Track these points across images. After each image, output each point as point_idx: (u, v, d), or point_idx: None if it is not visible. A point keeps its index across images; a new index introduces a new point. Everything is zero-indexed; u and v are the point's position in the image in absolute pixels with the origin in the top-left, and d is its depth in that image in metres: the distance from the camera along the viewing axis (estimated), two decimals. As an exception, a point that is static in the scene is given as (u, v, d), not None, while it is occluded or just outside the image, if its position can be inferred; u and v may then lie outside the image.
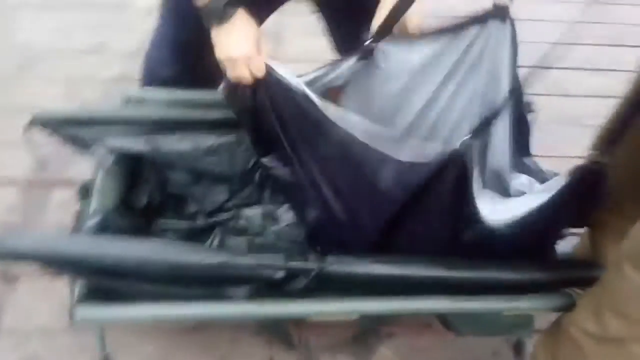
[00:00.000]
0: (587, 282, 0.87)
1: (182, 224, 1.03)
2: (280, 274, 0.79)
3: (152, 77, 1.17)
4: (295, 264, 0.80)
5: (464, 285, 0.85)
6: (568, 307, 0.87)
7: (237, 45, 0.86)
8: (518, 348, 1.12)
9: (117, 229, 0.90)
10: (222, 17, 0.84)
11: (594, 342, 0.84)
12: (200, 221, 1.04)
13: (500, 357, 1.15)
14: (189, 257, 0.77)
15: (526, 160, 1.02)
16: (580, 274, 0.91)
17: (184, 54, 1.09)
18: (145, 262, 0.76)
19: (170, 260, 0.77)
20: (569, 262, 0.98)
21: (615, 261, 0.81)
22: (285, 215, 1.05)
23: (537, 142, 1.05)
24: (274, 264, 0.79)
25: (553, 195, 0.79)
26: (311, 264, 0.80)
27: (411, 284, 0.84)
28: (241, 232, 1.04)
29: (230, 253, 0.80)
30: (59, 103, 1.56)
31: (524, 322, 0.95)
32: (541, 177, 0.98)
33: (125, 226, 0.92)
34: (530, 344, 1.02)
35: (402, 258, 0.85)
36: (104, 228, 0.88)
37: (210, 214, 1.04)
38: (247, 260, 0.79)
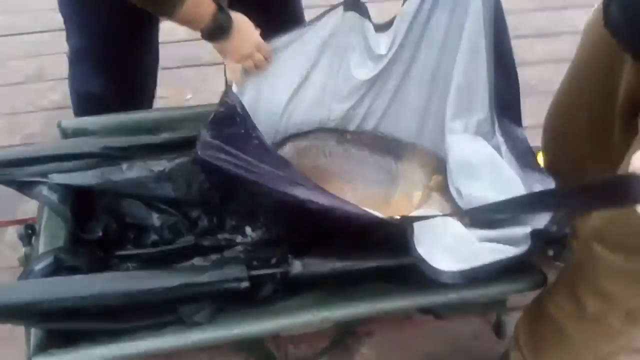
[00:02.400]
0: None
1: (142, 254, 0.99)
2: (245, 284, 0.77)
3: (78, 96, 1.14)
4: (260, 271, 0.78)
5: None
6: (541, 285, 0.87)
7: (247, 42, 0.91)
8: (498, 329, 1.12)
9: (70, 269, 0.86)
10: (226, 30, 0.87)
11: (573, 321, 0.84)
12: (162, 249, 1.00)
13: (481, 339, 1.15)
14: (145, 284, 0.74)
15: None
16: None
17: (103, 65, 1.07)
18: (99, 297, 0.73)
19: (125, 290, 0.74)
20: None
21: (584, 240, 0.81)
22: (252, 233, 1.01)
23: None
24: (238, 276, 0.77)
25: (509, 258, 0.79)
26: (276, 269, 0.79)
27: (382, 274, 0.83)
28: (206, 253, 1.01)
29: (191, 272, 0.77)
30: (2, 139, 1.50)
31: (499, 299, 0.96)
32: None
33: (79, 264, 0.88)
34: (511, 325, 1.03)
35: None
36: (55, 270, 0.84)
37: (171, 242, 1.00)
38: (209, 277, 0.76)
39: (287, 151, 1.06)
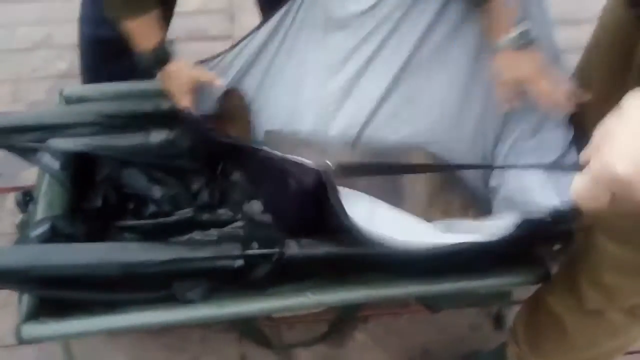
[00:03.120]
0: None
1: (142, 224, 0.98)
2: (239, 263, 0.75)
3: (89, 41, 1.13)
4: (255, 251, 0.76)
5: (436, 264, 0.82)
6: (543, 279, 0.85)
7: (181, 85, 0.91)
8: (498, 321, 1.11)
9: (67, 236, 0.85)
10: (158, 66, 0.89)
11: (573, 315, 0.82)
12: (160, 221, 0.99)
13: (479, 331, 1.14)
14: (140, 256, 0.73)
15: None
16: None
17: None
18: (93, 266, 0.71)
19: (120, 261, 0.72)
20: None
21: (588, 230, 0.79)
22: (253, 208, 1.00)
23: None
24: (233, 254, 0.75)
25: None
26: (272, 249, 0.77)
27: (379, 262, 0.80)
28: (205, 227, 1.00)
29: (186, 246, 0.76)
30: (5, 106, 1.48)
31: (502, 292, 0.94)
32: None
33: (77, 233, 0.87)
34: (511, 316, 1.01)
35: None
36: (51, 237, 0.83)
37: (170, 214, 0.99)
38: (204, 252, 0.74)
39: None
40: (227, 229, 0.99)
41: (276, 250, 0.77)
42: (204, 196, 1.02)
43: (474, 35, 0.91)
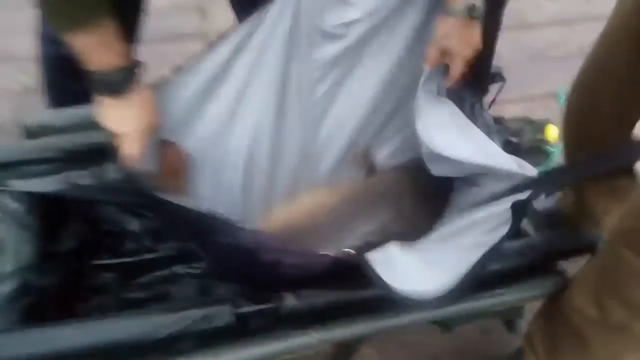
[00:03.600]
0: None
1: (120, 263, 0.91)
2: (231, 323, 0.69)
3: (50, 58, 1.01)
4: (248, 309, 0.70)
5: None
6: (561, 289, 0.79)
7: (132, 120, 0.72)
8: (510, 324, 1.06)
9: (39, 290, 0.78)
10: (123, 87, 0.70)
11: (594, 328, 0.78)
12: (141, 257, 0.91)
13: (491, 335, 1.08)
14: (116, 332, 0.66)
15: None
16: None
17: None
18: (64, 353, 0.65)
19: (94, 342, 0.66)
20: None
21: (611, 243, 0.74)
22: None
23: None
24: (224, 320, 0.68)
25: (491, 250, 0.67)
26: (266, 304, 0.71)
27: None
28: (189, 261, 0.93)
29: (169, 315, 0.68)
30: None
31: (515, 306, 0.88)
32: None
33: (50, 283, 0.80)
34: (523, 320, 0.96)
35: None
36: (22, 294, 0.76)
37: (152, 248, 0.92)
38: (190, 322, 0.68)
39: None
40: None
41: (271, 305, 0.70)
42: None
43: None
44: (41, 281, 0.79)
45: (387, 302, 0.72)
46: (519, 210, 0.65)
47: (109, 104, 0.71)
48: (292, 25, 0.80)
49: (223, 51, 0.80)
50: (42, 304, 0.77)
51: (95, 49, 0.67)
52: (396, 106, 0.93)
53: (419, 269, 0.69)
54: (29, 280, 0.77)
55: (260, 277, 0.75)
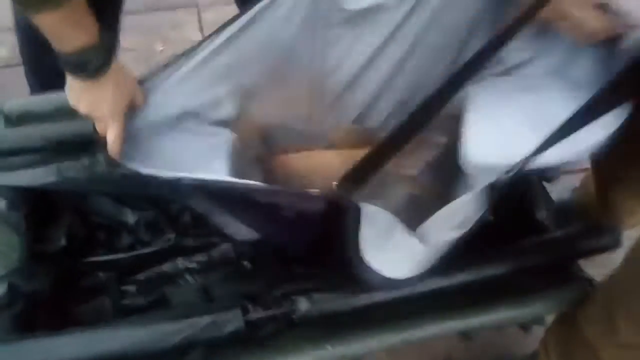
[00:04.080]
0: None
1: (116, 259, 0.84)
2: (241, 330, 0.65)
3: (25, 29, 0.93)
4: (259, 314, 0.66)
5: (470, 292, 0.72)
6: (584, 300, 0.75)
7: (107, 102, 0.64)
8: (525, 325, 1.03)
9: (29, 295, 0.72)
10: (93, 71, 0.62)
11: (608, 346, 0.73)
12: (136, 252, 0.85)
13: (504, 333, 1.04)
14: (120, 342, 0.61)
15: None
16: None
17: None
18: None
19: (107, 352, 0.61)
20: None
21: (632, 257, 0.69)
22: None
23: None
24: (233, 325, 0.64)
25: None
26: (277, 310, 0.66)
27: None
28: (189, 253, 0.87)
29: (175, 322, 0.63)
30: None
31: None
32: None
33: (41, 287, 0.74)
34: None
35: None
36: (12, 300, 0.70)
37: (149, 242, 0.86)
38: (198, 329, 0.63)
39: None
40: (214, 252, 0.87)
41: (283, 310, 0.66)
42: (186, 218, 0.88)
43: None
44: (31, 285, 0.73)
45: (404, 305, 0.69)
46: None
47: (80, 86, 0.64)
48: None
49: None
50: (33, 309, 0.72)
51: (64, 27, 0.59)
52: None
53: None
54: (18, 284, 0.71)
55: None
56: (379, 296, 0.67)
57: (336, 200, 0.57)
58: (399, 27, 0.77)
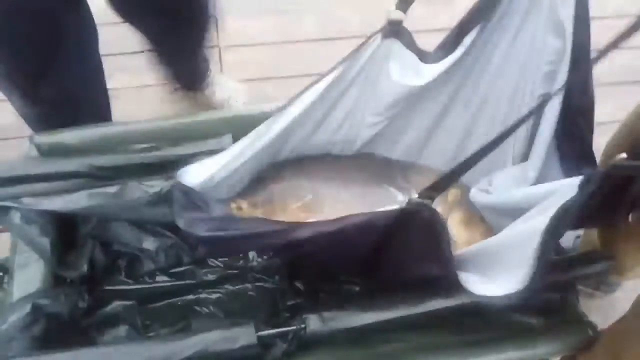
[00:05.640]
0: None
1: (136, 290, 0.86)
2: (254, 351, 0.65)
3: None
4: (270, 331, 0.66)
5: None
6: (587, 345, 0.73)
7: None
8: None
9: (51, 317, 0.73)
10: None
11: None
12: (157, 281, 0.87)
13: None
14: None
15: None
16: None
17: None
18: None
19: None
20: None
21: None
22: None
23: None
24: (246, 343, 0.64)
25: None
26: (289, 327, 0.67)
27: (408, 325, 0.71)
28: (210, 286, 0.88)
29: (187, 340, 0.64)
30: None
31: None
32: None
33: (63, 310, 0.76)
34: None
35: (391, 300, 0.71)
36: (33, 320, 0.72)
37: (169, 271, 0.88)
38: (211, 346, 0.64)
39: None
40: (233, 283, 0.89)
41: (294, 328, 0.67)
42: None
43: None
44: (53, 308, 0.74)
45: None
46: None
47: None
48: None
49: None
50: (54, 332, 0.73)
51: None
52: None
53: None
54: (40, 306, 0.73)
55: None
56: (386, 315, 0.68)
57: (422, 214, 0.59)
58: None
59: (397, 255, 0.70)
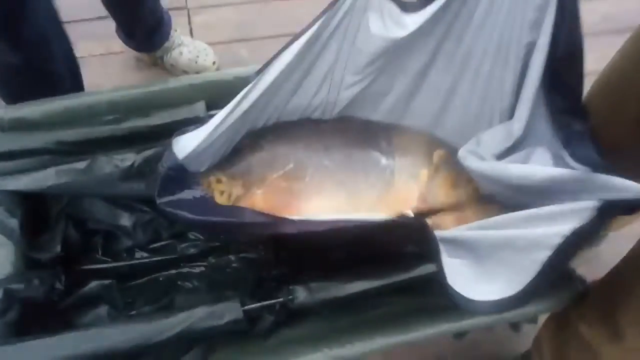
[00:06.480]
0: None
1: (115, 267, 0.83)
2: (241, 325, 0.64)
3: None
4: (256, 304, 0.66)
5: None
6: (582, 298, 0.72)
7: None
8: (515, 324, 1.03)
9: (26, 301, 0.70)
10: None
11: (610, 349, 0.71)
12: (136, 257, 0.84)
13: (493, 332, 1.05)
14: (116, 340, 0.60)
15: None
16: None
17: None
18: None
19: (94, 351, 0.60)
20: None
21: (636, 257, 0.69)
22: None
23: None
24: (233, 318, 0.63)
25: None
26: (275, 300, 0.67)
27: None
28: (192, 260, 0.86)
29: (172, 318, 0.62)
30: None
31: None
32: None
33: (37, 293, 0.73)
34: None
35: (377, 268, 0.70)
36: (7, 307, 0.68)
37: (148, 247, 0.85)
38: (197, 324, 0.62)
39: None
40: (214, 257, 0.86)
41: (280, 300, 0.66)
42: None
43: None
44: (27, 292, 0.71)
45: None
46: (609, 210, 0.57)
47: None
48: None
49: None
50: (29, 317, 0.70)
51: None
52: None
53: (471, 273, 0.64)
54: (14, 291, 0.70)
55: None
56: (373, 283, 0.67)
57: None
58: None
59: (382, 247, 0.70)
